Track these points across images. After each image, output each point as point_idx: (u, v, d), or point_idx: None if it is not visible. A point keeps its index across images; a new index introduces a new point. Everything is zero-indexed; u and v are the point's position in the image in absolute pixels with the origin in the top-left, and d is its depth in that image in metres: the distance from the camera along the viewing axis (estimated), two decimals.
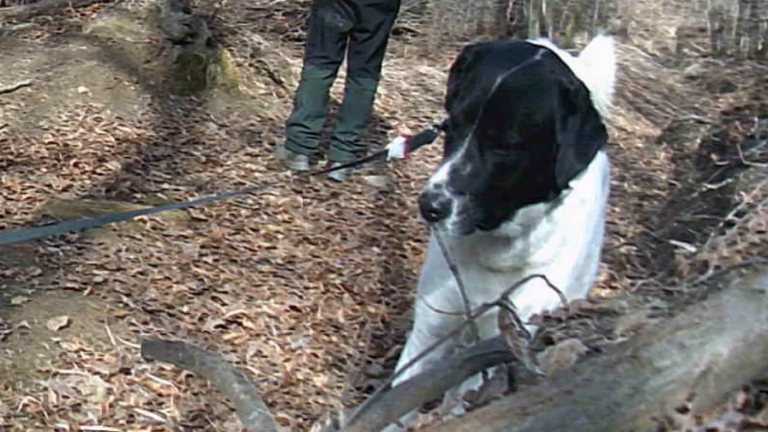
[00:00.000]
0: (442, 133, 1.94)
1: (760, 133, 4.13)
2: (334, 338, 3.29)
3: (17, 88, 5.05)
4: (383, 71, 5.22)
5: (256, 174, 4.85)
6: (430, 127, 2.12)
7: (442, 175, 1.67)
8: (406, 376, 1.20)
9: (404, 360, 2.17)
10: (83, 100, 5.05)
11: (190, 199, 4.25)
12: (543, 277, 1.29)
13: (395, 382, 1.12)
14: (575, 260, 1.97)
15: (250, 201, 4.40)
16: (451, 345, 1.85)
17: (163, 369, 2.75)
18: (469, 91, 1.73)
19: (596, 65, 2.21)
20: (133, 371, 2.74)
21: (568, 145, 1.71)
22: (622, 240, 4.62)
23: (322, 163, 5.16)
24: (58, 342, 2.78)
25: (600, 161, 2.13)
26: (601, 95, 2.16)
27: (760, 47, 10.95)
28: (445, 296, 1.98)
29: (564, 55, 1.85)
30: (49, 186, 4.12)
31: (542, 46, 1.81)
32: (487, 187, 1.69)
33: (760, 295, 0.96)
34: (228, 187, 4.51)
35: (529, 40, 2.04)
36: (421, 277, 2.15)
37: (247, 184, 4.59)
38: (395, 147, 2.17)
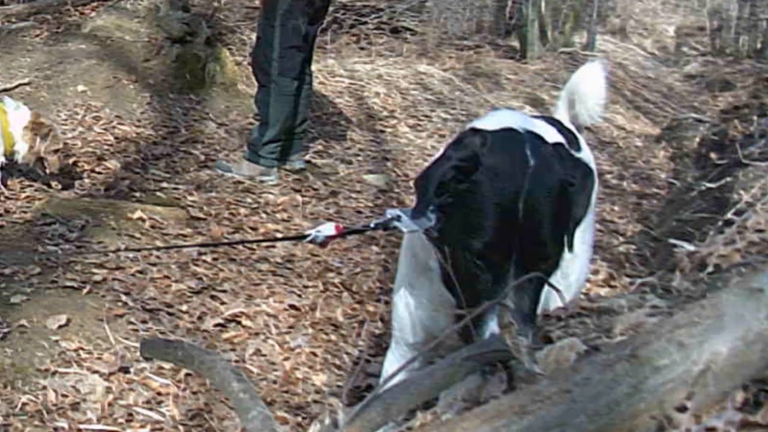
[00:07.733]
0: (404, 229, 1.77)
1: (759, 131, 4.13)
2: (333, 337, 3.29)
3: (16, 86, 5.05)
4: (382, 70, 5.21)
5: None
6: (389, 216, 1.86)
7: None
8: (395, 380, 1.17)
9: (387, 373, 2.10)
10: (82, 99, 5.05)
11: (189, 198, 4.25)
12: (542, 277, 1.29)
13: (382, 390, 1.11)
14: None
15: (248, 200, 4.40)
16: (432, 357, 1.82)
17: (162, 368, 2.75)
18: (488, 220, 1.58)
19: (587, 88, 2.48)
20: (132, 370, 2.73)
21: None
22: (621, 239, 4.62)
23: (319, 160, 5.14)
24: (57, 341, 2.78)
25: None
26: (595, 109, 2.46)
27: (759, 46, 10.96)
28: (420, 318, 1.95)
29: (537, 123, 1.80)
30: (48, 185, 4.12)
31: (531, 132, 1.70)
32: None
33: (759, 293, 0.96)
34: (227, 187, 4.51)
35: (506, 117, 1.89)
36: (395, 291, 2.05)
37: (245, 183, 4.59)
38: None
